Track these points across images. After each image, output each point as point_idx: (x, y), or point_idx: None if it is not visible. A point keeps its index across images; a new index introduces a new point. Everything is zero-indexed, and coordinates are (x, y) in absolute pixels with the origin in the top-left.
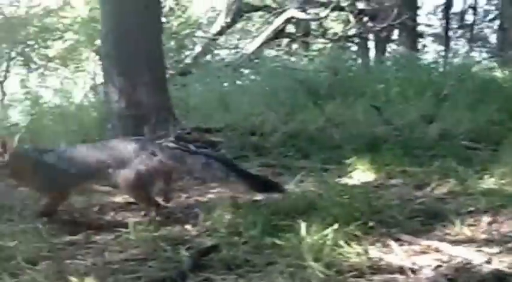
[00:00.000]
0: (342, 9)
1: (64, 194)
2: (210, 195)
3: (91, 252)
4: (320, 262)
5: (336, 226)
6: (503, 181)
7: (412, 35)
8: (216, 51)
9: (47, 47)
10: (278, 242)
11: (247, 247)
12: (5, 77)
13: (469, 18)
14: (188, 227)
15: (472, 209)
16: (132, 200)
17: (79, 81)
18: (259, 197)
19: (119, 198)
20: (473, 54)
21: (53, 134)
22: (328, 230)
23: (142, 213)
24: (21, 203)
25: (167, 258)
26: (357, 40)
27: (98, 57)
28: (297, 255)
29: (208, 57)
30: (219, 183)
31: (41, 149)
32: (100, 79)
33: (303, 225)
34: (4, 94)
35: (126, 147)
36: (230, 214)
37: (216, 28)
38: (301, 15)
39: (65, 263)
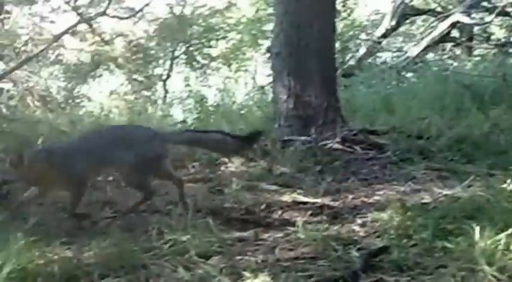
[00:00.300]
0: (506, 14)
1: (85, 185)
2: (376, 197)
3: (260, 249)
4: (493, 266)
5: (510, 231)
6: None
7: None
8: (378, 54)
9: (210, 47)
10: (448, 245)
11: (417, 249)
12: (168, 76)
13: None
14: (356, 227)
15: None
16: (299, 199)
17: (240, 81)
18: (427, 199)
19: (286, 197)
20: None
21: None
22: (501, 235)
23: (309, 212)
24: (192, 198)
25: (337, 257)
26: None
27: (261, 57)
28: (468, 258)
29: (371, 59)
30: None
31: (47, 147)
32: (260, 79)
33: (477, 230)
34: (166, 92)
35: (140, 134)
36: (399, 216)
37: (380, 31)
38: (466, 20)
39: (236, 259)
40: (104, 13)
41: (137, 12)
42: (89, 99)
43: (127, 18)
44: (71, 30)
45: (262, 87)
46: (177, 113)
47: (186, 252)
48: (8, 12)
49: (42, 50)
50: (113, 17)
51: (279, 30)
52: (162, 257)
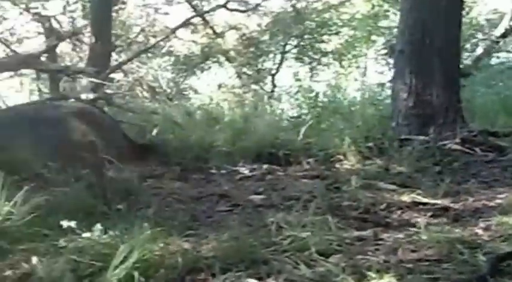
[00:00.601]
0: None
1: None
2: (498, 200)
3: (381, 250)
4: None
5: None
6: None
7: None
8: (496, 54)
9: (322, 42)
10: None
11: None
12: (277, 70)
13: None
14: (479, 231)
15: None
16: (418, 200)
17: (351, 77)
18: None
19: (405, 197)
20: None
21: (334, 128)
22: None
23: (430, 213)
24: (308, 194)
25: (463, 261)
26: None
27: (373, 53)
28: None
29: (488, 59)
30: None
31: None
32: (371, 76)
33: None
34: (275, 86)
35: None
36: None
37: (499, 30)
38: None
39: (357, 258)
40: (224, 6)
41: (257, 6)
42: (196, 92)
43: (245, 11)
44: (183, 22)
45: (382, 85)
46: (284, 108)
47: (306, 249)
48: (123, 2)
49: (159, 41)
50: (232, 10)
51: (403, 27)
52: (282, 253)
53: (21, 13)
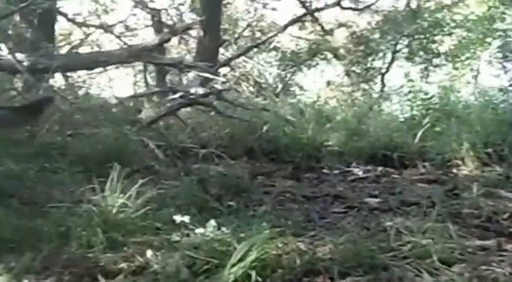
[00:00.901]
0: None
1: None
2: None
3: (506, 261)
4: None
5: None
6: None
7: None
8: None
9: (434, 42)
10: None
11: None
12: (387, 69)
13: None
14: None
15: None
16: None
17: (463, 80)
18: None
19: None
20: None
21: (450, 131)
22: None
23: None
24: (427, 199)
25: None
26: None
27: (488, 55)
28: None
29: None
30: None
31: None
32: (484, 79)
33: None
34: (384, 85)
35: None
36: None
37: None
38: None
39: (481, 269)
40: (337, 4)
41: (371, 5)
42: (301, 88)
43: (359, 10)
44: (295, 19)
45: (501, 89)
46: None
47: (428, 256)
48: None
49: (270, 37)
50: (345, 8)
51: None
52: (402, 259)
53: (135, 6)
